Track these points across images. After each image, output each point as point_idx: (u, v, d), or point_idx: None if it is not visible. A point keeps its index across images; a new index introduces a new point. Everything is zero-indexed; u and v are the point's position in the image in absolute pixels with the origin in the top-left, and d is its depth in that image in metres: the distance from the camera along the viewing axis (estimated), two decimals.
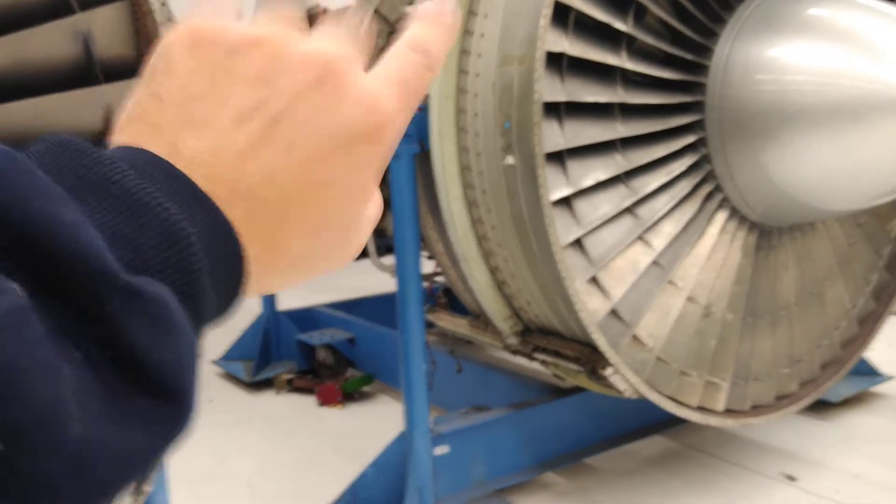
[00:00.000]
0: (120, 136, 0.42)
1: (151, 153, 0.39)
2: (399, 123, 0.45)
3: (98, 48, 2.37)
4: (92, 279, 0.33)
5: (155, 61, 0.44)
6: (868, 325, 4.10)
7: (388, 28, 4.36)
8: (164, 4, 2.35)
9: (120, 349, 0.35)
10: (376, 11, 4.27)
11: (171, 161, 0.39)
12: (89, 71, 2.37)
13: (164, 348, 0.35)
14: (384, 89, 0.44)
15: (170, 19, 2.36)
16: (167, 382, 0.36)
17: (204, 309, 0.38)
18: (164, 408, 0.36)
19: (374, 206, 0.48)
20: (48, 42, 2.38)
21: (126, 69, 2.45)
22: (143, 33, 2.39)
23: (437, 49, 0.47)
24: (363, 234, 0.48)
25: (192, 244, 0.37)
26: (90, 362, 0.34)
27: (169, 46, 0.43)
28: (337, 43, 0.43)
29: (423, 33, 0.47)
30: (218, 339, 5.63)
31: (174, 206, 0.37)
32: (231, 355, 5.85)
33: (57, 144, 0.37)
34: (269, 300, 5.79)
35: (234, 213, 0.39)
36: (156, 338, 0.35)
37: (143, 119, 0.42)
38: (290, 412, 5.02)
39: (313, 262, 0.45)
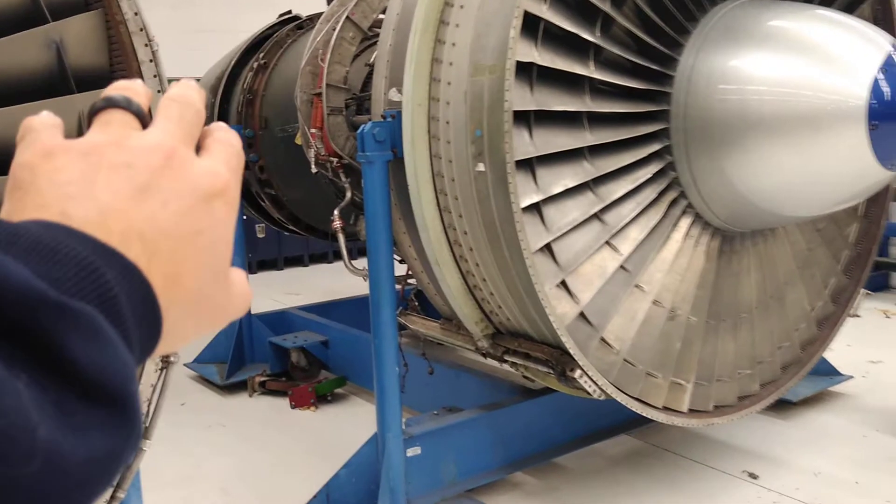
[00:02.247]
0: (10, 218, 0.47)
1: (46, 220, 0.45)
2: (236, 185, 0.56)
3: (71, 57, 2.38)
4: (22, 301, 0.38)
5: (15, 175, 0.50)
6: (827, 326, 4.22)
7: (360, 35, 4.40)
8: (136, 14, 2.37)
9: (60, 363, 0.38)
10: (348, 18, 4.31)
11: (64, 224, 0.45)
12: (62, 80, 2.39)
13: (100, 356, 0.40)
14: (215, 163, 0.55)
15: (142, 29, 2.38)
16: (108, 387, 0.40)
17: (129, 332, 0.44)
18: (110, 412, 0.40)
19: (239, 282, 0.58)
20: (21, 51, 2.39)
21: (99, 78, 2.47)
22: (117, 42, 2.41)
23: (237, 141, 0.60)
24: (233, 295, 0.56)
25: (104, 274, 0.43)
26: (36, 382, 0.38)
27: (23, 164, 0.50)
28: (168, 135, 0.53)
29: (223, 130, 0.59)
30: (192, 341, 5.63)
31: (78, 246, 0.43)
32: (203, 358, 5.86)
33: None
34: None
35: (136, 257, 0.46)
36: (90, 347, 0.40)
37: (25, 203, 0.48)
38: (264, 415, 5.04)
39: (209, 302, 0.53)
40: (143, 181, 0.49)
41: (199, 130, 0.57)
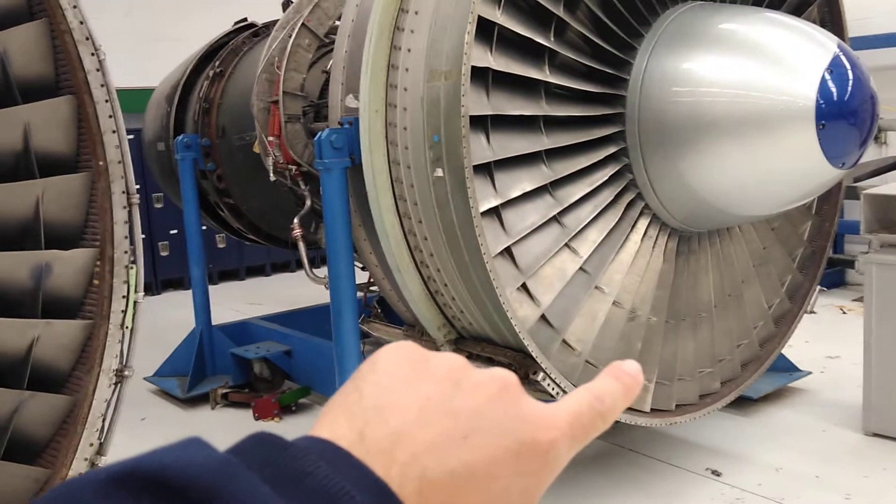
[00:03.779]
0: (321, 420, 0.48)
1: (337, 446, 0.44)
2: (565, 448, 0.49)
3: (15, 67, 2.33)
4: None
5: (364, 363, 0.51)
6: (784, 323, 4.29)
7: (316, 42, 4.38)
8: (82, 23, 2.33)
9: None
10: (304, 25, 4.28)
11: (355, 449, 0.44)
12: (6, 90, 2.33)
13: None
14: (557, 413, 0.49)
15: (88, 38, 2.33)
16: None
17: None
18: None
19: None
20: None
21: (44, 88, 2.42)
22: (62, 52, 2.36)
23: (612, 401, 0.52)
24: None
25: None
26: None
27: (378, 353, 0.51)
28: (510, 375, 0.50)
29: (603, 385, 0.53)
30: (151, 355, 5.53)
31: (358, 495, 0.41)
32: (164, 371, 5.76)
33: (259, 441, 0.43)
34: (203, 314, 5.72)
35: (407, 492, 0.43)
36: None
37: (341, 406, 0.48)
38: (227, 427, 4.96)
39: None
40: (458, 406, 0.47)
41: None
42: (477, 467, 0.45)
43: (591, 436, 0.51)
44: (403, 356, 0.50)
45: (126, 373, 2.45)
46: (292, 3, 4.79)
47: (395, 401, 0.47)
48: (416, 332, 3.96)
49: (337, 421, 0.47)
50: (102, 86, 2.37)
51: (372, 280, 4.21)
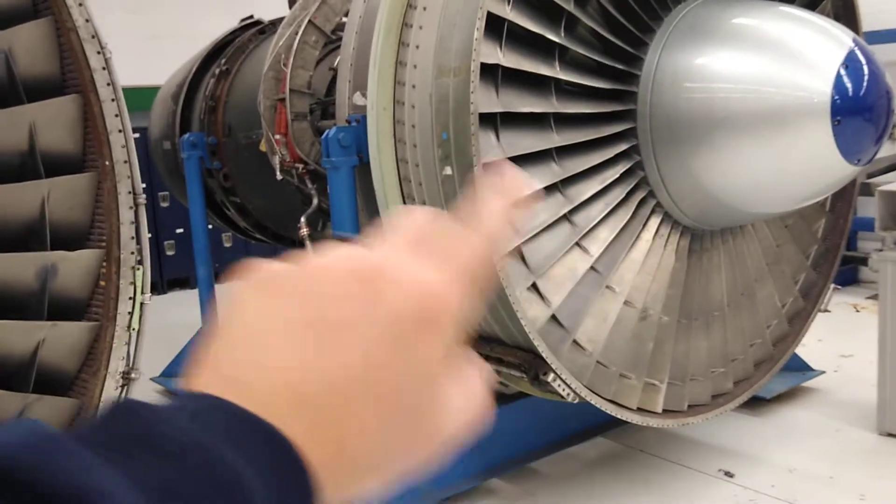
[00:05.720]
0: (189, 384, 0.44)
1: (212, 396, 0.41)
2: (456, 303, 0.45)
3: (20, 66, 2.30)
4: None
5: (222, 310, 0.47)
6: (798, 322, 4.24)
7: (323, 38, 4.34)
8: (88, 21, 2.29)
9: None
10: (310, 22, 4.25)
11: (230, 396, 0.41)
12: (12, 89, 2.30)
13: None
14: (435, 273, 0.45)
15: (94, 36, 2.30)
16: None
17: None
18: None
19: (463, 397, 0.48)
20: None
21: (50, 86, 2.39)
22: (68, 50, 2.33)
23: (498, 226, 0.49)
24: (445, 424, 0.47)
25: (243, 486, 0.37)
26: None
27: (231, 296, 0.47)
28: (382, 246, 0.46)
29: (487, 215, 0.49)
30: (157, 355, 5.51)
31: (229, 450, 0.38)
32: (171, 372, 5.74)
33: (119, 409, 0.39)
34: (210, 314, 5.69)
35: (297, 425, 0.40)
36: None
37: (206, 361, 0.44)
38: None
39: (390, 460, 0.45)
40: (321, 319, 0.43)
41: (439, 232, 0.47)
42: (355, 371, 0.42)
43: (489, 273, 0.48)
44: (253, 287, 0.45)
45: (133, 375, 2.42)
46: None
47: (256, 337, 0.43)
48: None
49: (203, 376, 0.43)
50: (108, 84, 2.34)
51: None
